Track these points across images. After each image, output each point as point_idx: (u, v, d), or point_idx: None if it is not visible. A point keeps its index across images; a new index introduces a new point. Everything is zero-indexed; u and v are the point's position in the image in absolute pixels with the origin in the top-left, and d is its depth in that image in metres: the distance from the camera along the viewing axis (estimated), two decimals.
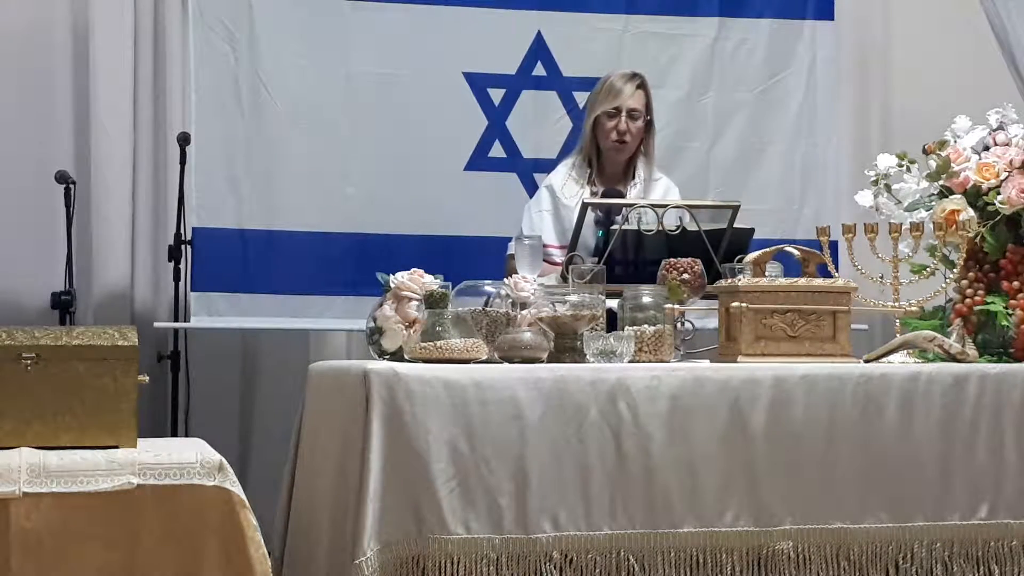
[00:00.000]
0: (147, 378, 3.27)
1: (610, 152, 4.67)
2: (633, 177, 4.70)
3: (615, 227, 4.04)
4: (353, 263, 5.18)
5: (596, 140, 4.68)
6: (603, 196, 4.43)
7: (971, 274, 4.09)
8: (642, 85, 4.69)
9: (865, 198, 4.25)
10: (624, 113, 4.63)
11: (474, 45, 5.39)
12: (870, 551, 3.55)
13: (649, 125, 4.69)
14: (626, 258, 4.03)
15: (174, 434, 5.04)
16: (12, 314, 5.16)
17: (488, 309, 3.64)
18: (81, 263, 5.22)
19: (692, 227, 4.02)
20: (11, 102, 5.32)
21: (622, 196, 4.53)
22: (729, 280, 3.76)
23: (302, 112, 5.24)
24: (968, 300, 4.06)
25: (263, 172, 5.20)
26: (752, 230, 4.14)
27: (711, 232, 4.02)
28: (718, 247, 4.00)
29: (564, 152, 5.14)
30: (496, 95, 5.42)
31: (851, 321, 3.76)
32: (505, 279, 3.76)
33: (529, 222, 4.63)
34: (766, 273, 3.81)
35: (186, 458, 3.10)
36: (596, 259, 3.98)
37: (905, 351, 3.80)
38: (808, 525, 3.51)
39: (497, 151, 5.41)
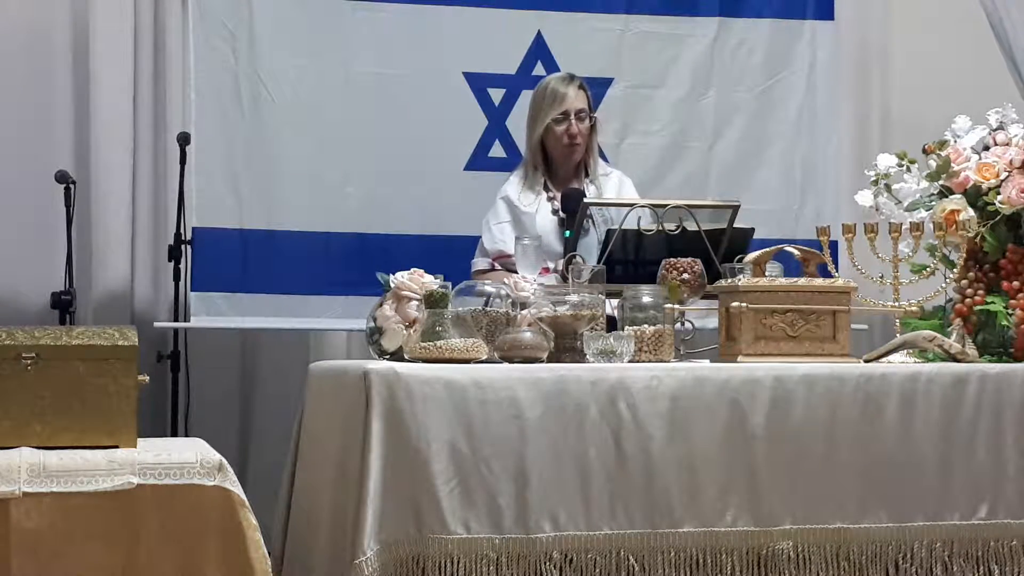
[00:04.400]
0: (147, 378, 3.27)
1: (563, 156, 4.69)
2: (587, 175, 4.73)
3: (586, 226, 4.06)
4: (353, 263, 5.18)
5: (544, 147, 4.70)
6: (567, 196, 4.46)
7: (971, 274, 4.09)
8: (582, 86, 4.73)
9: (865, 198, 4.25)
10: (572, 115, 4.65)
11: (474, 45, 5.39)
12: (870, 551, 3.55)
13: (594, 124, 4.72)
14: (626, 258, 4.03)
15: (174, 434, 5.04)
16: (12, 314, 5.16)
17: (488, 309, 3.64)
18: (81, 263, 5.22)
19: (692, 227, 4.03)
20: (11, 102, 5.32)
21: (584, 194, 4.55)
22: (729, 280, 3.76)
23: (302, 112, 5.24)
24: (968, 300, 4.06)
25: (263, 172, 5.19)
26: (752, 230, 4.14)
27: (711, 232, 4.02)
28: (718, 247, 4.00)
29: None
30: (496, 95, 5.42)
31: (851, 321, 3.76)
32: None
33: (490, 235, 4.64)
34: (766, 273, 3.81)
35: (186, 458, 3.10)
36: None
37: (905, 351, 3.80)
38: (808, 525, 3.51)
39: (497, 151, 5.41)
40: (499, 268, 4.49)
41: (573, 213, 4.15)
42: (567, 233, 4.11)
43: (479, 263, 4.69)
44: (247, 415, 5.53)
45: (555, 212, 4.61)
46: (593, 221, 4.40)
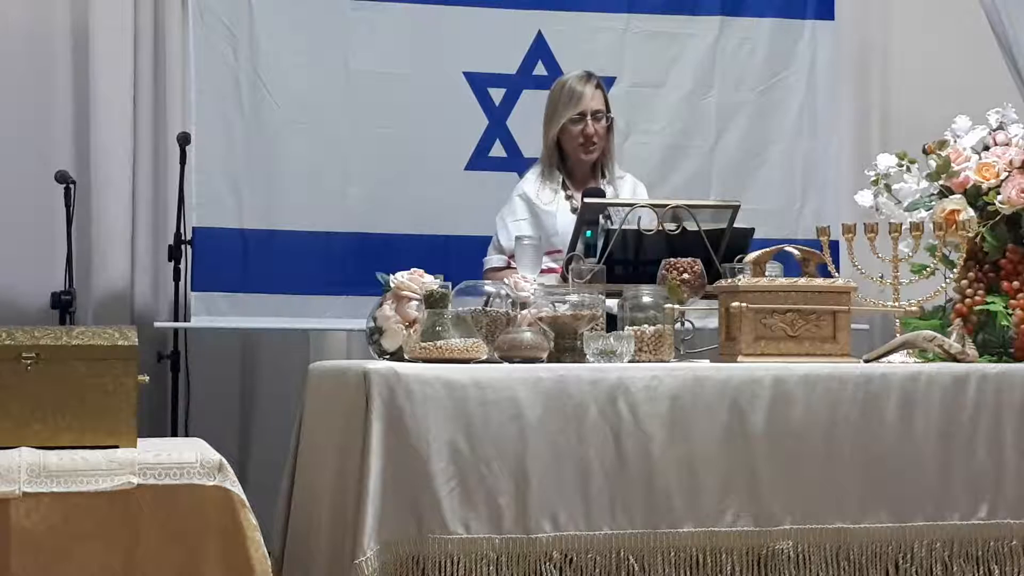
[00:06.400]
0: (147, 378, 3.27)
1: (579, 156, 4.69)
2: (603, 176, 4.72)
3: (603, 226, 4.05)
4: (353, 263, 5.19)
5: (560, 146, 4.70)
6: (588, 195, 4.45)
7: (971, 274, 4.09)
8: (599, 85, 4.72)
9: (865, 198, 4.25)
10: (589, 116, 4.65)
11: (475, 45, 5.39)
12: (870, 551, 3.54)
13: (610, 124, 4.71)
14: (626, 258, 4.03)
15: (174, 434, 5.04)
16: (12, 314, 5.16)
17: (488, 309, 3.63)
18: (81, 263, 5.22)
19: (692, 227, 4.02)
20: (11, 102, 5.33)
21: (604, 194, 4.55)
22: (729, 280, 3.76)
23: (302, 112, 5.24)
24: (968, 300, 4.06)
25: (263, 172, 5.20)
26: (752, 230, 4.14)
27: (711, 232, 4.02)
28: (718, 247, 4.00)
29: None
30: (497, 95, 5.42)
31: (851, 321, 3.76)
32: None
33: (507, 233, 4.63)
34: (766, 273, 3.81)
35: (186, 458, 3.10)
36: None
37: (905, 351, 3.80)
38: (808, 525, 3.51)
39: (498, 151, 5.41)
40: (515, 266, 4.48)
41: (596, 214, 4.15)
42: (587, 233, 4.11)
43: (493, 260, 4.68)
44: (247, 415, 5.54)
45: (574, 211, 4.60)
46: (611, 220, 4.39)
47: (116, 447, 3.15)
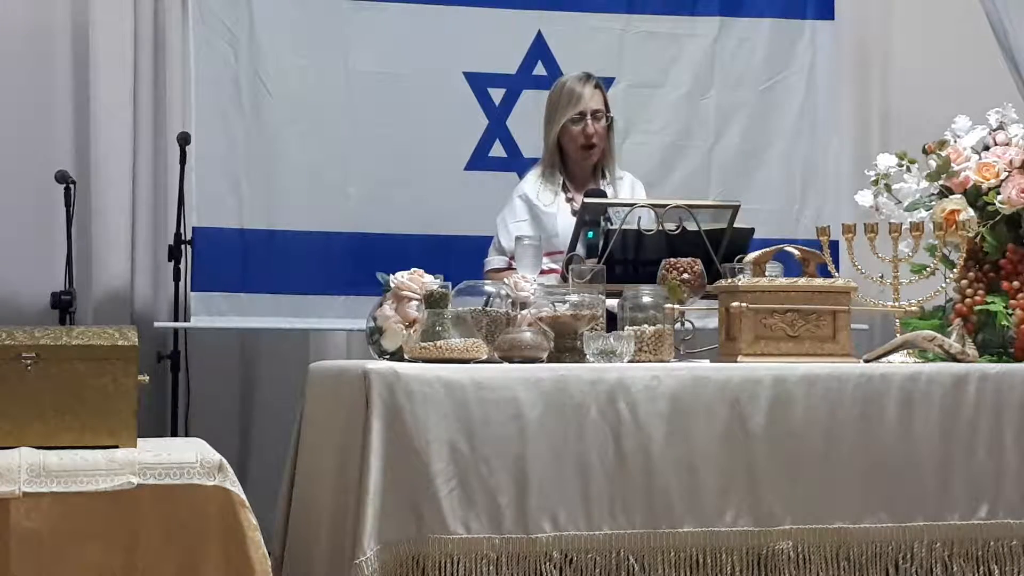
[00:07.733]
0: (147, 378, 3.27)
1: (579, 156, 4.69)
2: (604, 176, 4.72)
3: (604, 227, 4.05)
4: (353, 263, 5.19)
5: (561, 147, 4.69)
6: (589, 196, 4.45)
7: (971, 274, 4.10)
8: (598, 85, 4.72)
9: (865, 198, 4.25)
10: (589, 116, 4.65)
11: (474, 45, 5.40)
12: (870, 551, 3.55)
13: (610, 123, 4.71)
14: (626, 258, 4.03)
15: (174, 434, 5.04)
16: (12, 314, 5.16)
17: (488, 309, 3.63)
18: (81, 263, 5.22)
19: (692, 227, 4.03)
20: (11, 102, 5.32)
21: (605, 195, 4.55)
22: (729, 280, 3.76)
23: (302, 112, 5.24)
24: (968, 300, 4.06)
25: (263, 172, 5.20)
26: (752, 230, 4.14)
27: (711, 232, 4.02)
28: (718, 247, 4.00)
29: None
30: (496, 95, 5.42)
31: (851, 321, 3.76)
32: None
33: (507, 234, 4.63)
34: (766, 273, 3.81)
35: (186, 458, 3.10)
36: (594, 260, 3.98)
37: (905, 351, 3.80)
38: (808, 525, 3.51)
39: (498, 151, 5.41)
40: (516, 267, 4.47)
41: (596, 214, 4.15)
42: (590, 234, 4.11)
43: (494, 261, 4.67)
44: (247, 415, 5.54)
45: (575, 214, 4.59)
46: (611, 221, 4.39)
47: (116, 447, 3.15)
